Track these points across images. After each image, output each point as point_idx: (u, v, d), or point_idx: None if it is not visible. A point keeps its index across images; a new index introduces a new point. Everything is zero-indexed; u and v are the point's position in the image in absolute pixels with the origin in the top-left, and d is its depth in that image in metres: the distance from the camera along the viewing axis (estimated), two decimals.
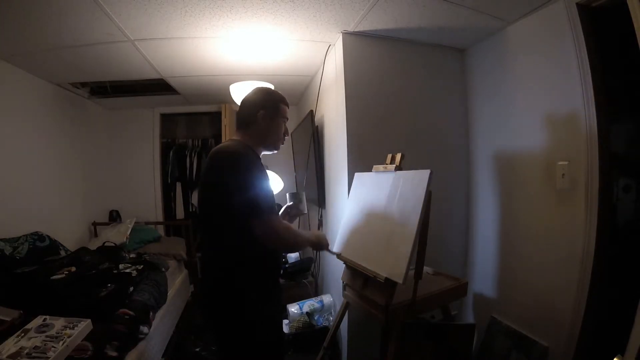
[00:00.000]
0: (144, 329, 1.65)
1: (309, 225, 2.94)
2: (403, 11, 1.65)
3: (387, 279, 1.23)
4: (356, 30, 1.85)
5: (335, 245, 1.61)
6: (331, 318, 2.18)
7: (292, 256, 3.13)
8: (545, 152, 1.61)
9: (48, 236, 2.22)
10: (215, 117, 3.73)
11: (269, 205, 1.12)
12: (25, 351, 1.16)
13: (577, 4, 1.41)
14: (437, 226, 1.68)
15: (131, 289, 1.82)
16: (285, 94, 1.35)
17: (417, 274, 1.31)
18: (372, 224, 1.44)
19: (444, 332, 1.51)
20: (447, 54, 2.10)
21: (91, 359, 1.30)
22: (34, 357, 1.14)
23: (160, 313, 1.98)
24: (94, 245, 2.45)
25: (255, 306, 1.15)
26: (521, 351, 1.63)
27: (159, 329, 1.91)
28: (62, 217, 2.74)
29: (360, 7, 1.61)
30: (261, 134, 1.25)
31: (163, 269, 2.37)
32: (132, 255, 2.44)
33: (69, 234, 2.74)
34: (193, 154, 3.82)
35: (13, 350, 1.16)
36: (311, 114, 2.38)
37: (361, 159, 1.84)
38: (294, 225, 1.25)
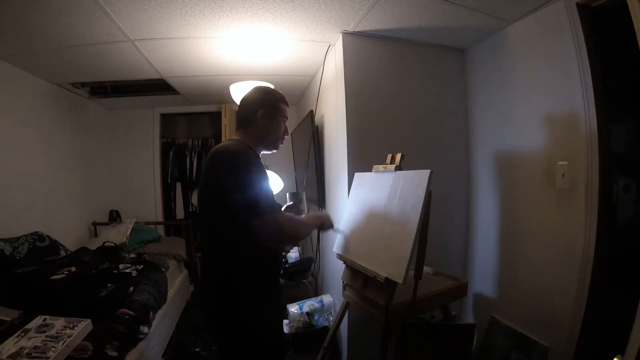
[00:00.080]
0: (144, 329, 1.65)
1: None
2: (403, 11, 1.65)
3: (387, 279, 1.23)
4: (356, 30, 1.85)
5: (336, 245, 1.61)
6: (331, 318, 2.18)
7: (292, 256, 3.13)
8: (545, 152, 1.61)
9: (48, 236, 2.22)
10: (215, 117, 3.73)
11: (270, 203, 1.12)
12: (25, 351, 1.16)
13: (577, 4, 1.41)
14: (437, 226, 1.67)
15: (131, 289, 1.82)
16: (285, 94, 1.35)
17: (417, 274, 1.31)
18: (372, 224, 1.44)
19: (444, 332, 1.51)
20: (447, 54, 2.10)
21: (91, 359, 1.30)
22: (34, 357, 1.14)
23: (160, 313, 1.98)
24: (94, 245, 2.45)
25: (255, 306, 1.15)
26: (521, 351, 1.63)
27: (159, 329, 1.91)
28: (62, 217, 2.74)
29: (360, 7, 1.61)
30: (261, 134, 1.24)
31: (163, 269, 2.37)
32: (132, 255, 2.45)
33: (69, 234, 2.74)
34: (193, 154, 3.82)
35: (13, 350, 1.16)
36: (311, 114, 2.38)
37: (361, 159, 1.84)
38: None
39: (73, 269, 1.75)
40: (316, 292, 2.62)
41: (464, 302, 2.07)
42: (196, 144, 3.91)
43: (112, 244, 2.46)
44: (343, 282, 1.59)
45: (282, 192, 2.04)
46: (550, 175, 1.57)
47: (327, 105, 2.29)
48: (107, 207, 3.48)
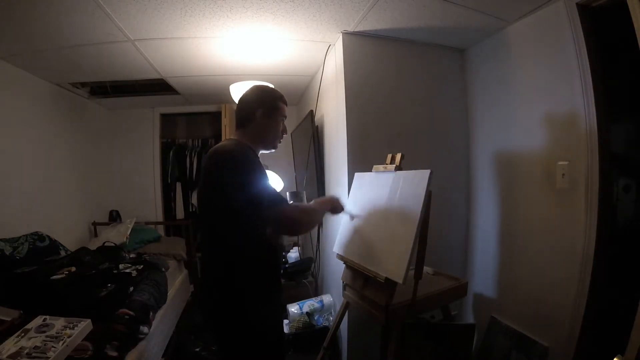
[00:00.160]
0: (144, 329, 1.65)
1: None
2: (403, 11, 1.65)
3: (387, 279, 1.23)
4: (356, 30, 1.85)
5: (336, 245, 1.61)
6: (331, 318, 2.18)
7: (292, 256, 3.13)
8: (545, 152, 1.61)
9: (48, 236, 2.22)
10: (215, 117, 3.73)
11: (275, 196, 1.12)
12: (25, 351, 1.16)
13: (577, 4, 1.41)
14: (437, 226, 1.67)
15: (131, 289, 1.82)
16: (285, 94, 1.34)
17: (417, 274, 1.31)
18: (372, 224, 1.44)
19: (444, 332, 1.51)
20: (447, 54, 2.10)
21: (91, 359, 1.30)
22: (34, 357, 1.14)
23: (160, 313, 1.98)
24: (94, 245, 2.45)
25: (256, 306, 1.14)
26: (521, 351, 1.63)
27: (159, 329, 1.91)
28: (62, 217, 2.74)
29: (360, 7, 1.61)
30: (259, 133, 1.24)
31: (163, 269, 2.37)
32: (132, 255, 2.44)
33: (69, 234, 2.74)
34: (193, 154, 3.82)
35: (13, 350, 1.16)
36: (311, 114, 2.38)
37: (361, 159, 1.84)
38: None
39: (73, 269, 1.75)
40: (316, 292, 2.62)
41: (464, 302, 2.07)
42: (196, 144, 3.91)
43: (112, 244, 2.45)
44: (343, 282, 1.59)
45: (282, 192, 2.03)
46: (550, 175, 1.57)
47: (327, 105, 2.29)
48: (107, 207, 3.48)
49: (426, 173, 1.25)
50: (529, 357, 1.59)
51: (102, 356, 1.35)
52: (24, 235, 2.08)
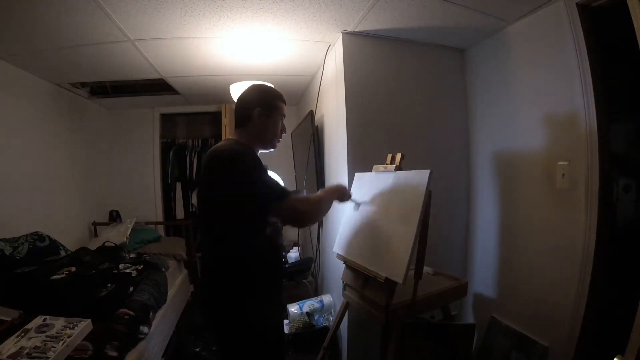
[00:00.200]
0: (144, 329, 1.65)
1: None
2: (403, 11, 1.65)
3: (387, 279, 1.23)
4: (356, 30, 1.85)
5: (336, 245, 1.61)
6: (331, 318, 2.18)
7: (292, 256, 3.13)
8: (545, 152, 1.61)
9: (48, 236, 2.22)
10: (215, 117, 3.73)
11: (280, 190, 1.12)
12: (25, 351, 1.16)
13: (577, 4, 1.41)
14: (437, 226, 1.68)
15: (131, 289, 1.82)
16: (285, 94, 1.34)
17: (417, 274, 1.31)
18: (372, 224, 1.44)
19: (444, 332, 1.51)
20: (447, 54, 2.10)
21: (91, 359, 1.30)
22: (34, 357, 1.14)
23: (160, 313, 1.98)
24: (94, 245, 2.45)
25: (256, 306, 1.14)
26: (521, 351, 1.63)
27: (159, 329, 1.90)
28: (62, 217, 2.74)
29: (360, 7, 1.61)
30: (258, 132, 1.23)
31: (163, 269, 2.37)
32: (132, 255, 2.44)
33: (69, 234, 2.74)
34: (193, 154, 3.82)
35: (13, 350, 1.15)
36: (311, 114, 2.38)
37: (361, 159, 1.84)
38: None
39: (73, 269, 1.75)
40: (316, 292, 2.62)
41: (464, 302, 2.07)
42: (196, 144, 3.91)
43: (112, 244, 2.45)
44: (343, 282, 1.59)
45: None
46: (550, 175, 1.57)
47: (327, 105, 2.29)
48: (107, 207, 3.48)
49: (426, 173, 1.25)
50: (529, 357, 1.59)
51: (102, 356, 1.35)
52: (24, 235, 2.08)
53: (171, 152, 3.76)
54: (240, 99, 1.28)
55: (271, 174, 2.25)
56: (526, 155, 1.72)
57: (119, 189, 3.61)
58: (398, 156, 1.45)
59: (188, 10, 1.59)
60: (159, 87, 2.90)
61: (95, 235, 3.06)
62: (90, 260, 1.90)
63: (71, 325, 1.31)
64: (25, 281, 1.60)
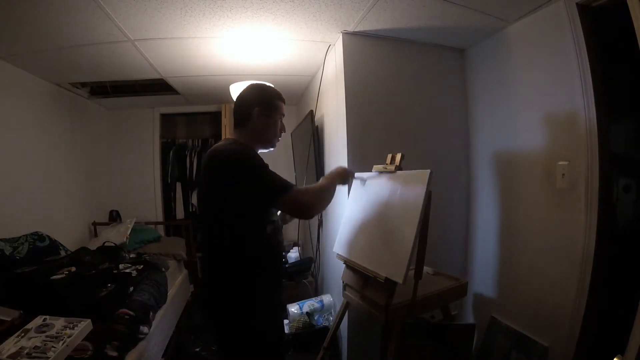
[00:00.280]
0: (144, 329, 1.65)
1: (309, 225, 2.94)
2: (403, 11, 1.65)
3: (387, 279, 1.23)
4: (356, 30, 1.85)
5: (336, 245, 1.61)
6: (331, 318, 2.18)
7: (292, 256, 3.13)
8: (545, 152, 1.61)
9: (48, 236, 2.22)
10: (215, 117, 3.73)
11: (282, 184, 1.11)
12: (25, 351, 1.16)
13: (577, 4, 1.41)
14: (437, 226, 1.67)
15: (131, 289, 1.82)
16: (285, 94, 1.34)
17: (417, 274, 1.31)
18: (372, 224, 1.44)
19: (444, 332, 1.51)
20: (447, 54, 2.10)
21: (91, 359, 1.30)
22: (34, 357, 1.14)
23: (160, 313, 1.98)
24: (94, 245, 2.45)
25: (256, 306, 1.15)
26: (521, 351, 1.63)
27: (159, 329, 1.90)
28: (62, 217, 2.74)
29: (360, 7, 1.61)
30: (257, 132, 1.23)
31: (163, 269, 2.37)
32: (132, 255, 2.44)
33: (69, 234, 2.74)
34: (193, 154, 3.82)
35: (13, 350, 1.15)
36: (311, 114, 2.38)
37: (361, 159, 1.84)
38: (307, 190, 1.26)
39: (73, 269, 1.74)
40: (316, 292, 2.62)
41: (464, 302, 2.07)
42: (196, 144, 3.91)
43: (112, 244, 2.45)
44: (343, 282, 1.59)
45: None
46: (550, 175, 1.57)
47: (327, 105, 2.29)
48: (107, 207, 3.48)
49: (426, 173, 1.25)
50: (529, 357, 1.59)
51: (102, 356, 1.34)
52: (24, 235, 2.08)
53: (171, 152, 3.76)
54: (239, 98, 1.27)
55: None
56: (526, 155, 1.72)
57: (119, 189, 3.61)
58: (398, 156, 1.45)
59: (188, 10, 1.59)
60: (159, 87, 2.90)
61: (95, 235, 3.06)
62: (90, 260, 1.90)
63: (71, 325, 1.31)
64: (25, 281, 1.60)
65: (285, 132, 1.33)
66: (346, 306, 1.62)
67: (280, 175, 1.14)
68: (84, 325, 1.33)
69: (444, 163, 2.06)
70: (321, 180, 1.32)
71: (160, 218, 3.74)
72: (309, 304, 2.24)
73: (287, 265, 2.70)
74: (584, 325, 1.41)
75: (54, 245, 2.20)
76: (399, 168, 1.43)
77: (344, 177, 1.40)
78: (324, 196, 1.26)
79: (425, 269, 1.52)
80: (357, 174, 1.54)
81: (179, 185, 3.83)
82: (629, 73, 1.41)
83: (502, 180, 1.88)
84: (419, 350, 1.45)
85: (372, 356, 1.77)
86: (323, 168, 2.42)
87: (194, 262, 3.07)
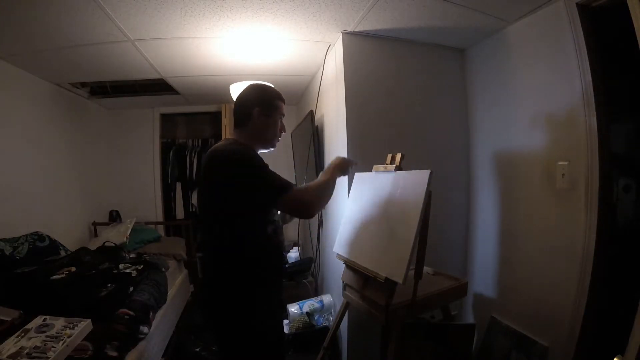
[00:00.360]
0: (144, 329, 1.65)
1: (309, 225, 2.94)
2: (403, 11, 1.65)
3: (387, 279, 1.23)
4: (356, 30, 1.85)
5: (336, 245, 1.61)
6: (331, 318, 2.18)
7: (292, 256, 3.14)
8: (545, 152, 1.61)
9: (48, 236, 2.22)
10: (215, 117, 3.73)
11: (282, 184, 1.11)
12: (25, 351, 1.16)
13: (577, 4, 1.41)
14: (437, 226, 1.67)
15: (131, 289, 1.82)
16: (285, 94, 1.34)
17: (417, 274, 1.31)
18: (372, 224, 1.44)
19: (444, 332, 1.51)
20: (447, 54, 2.10)
21: (91, 359, 1.30)
22: (34, 357, 1.14)
23: (160, 313, 1.98)
24: (94, 245, 2.45)
25: (256, 306, 1.15)
26: (521, 351, 1.63)
27: (159, 329, 1.90)
28: (62, 217, 2.74)
29: (360, 7, 1.61)
30: (257, 132, 1.23)
31: (163, 269, 2.37)
32: (132, 255, 2.44)
33: (69, 234, 2.74)
34: (193, 154, 3.82)
35: (13, 350, 1.16)
36: (311, 114, 2.38)
37: (361, 159, 1.83)
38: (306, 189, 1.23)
39: (73, 269, 1.75)
40: (316, 292, 2.62)
41: (464, 302, 2.07)
42: (196, 144, 3.91)
43: (112, 244, 2.45)
44: (343, 282, 1.59)
45: None
46: (550, 175, 1.57)
47: (327, 105, 2.29)
48: (107, 207, 3.48)
49: (426, 173, 1.25)
50: (529, 357, 1.59)
51: (102, 356, 1.35)
52: (24, 235, 2.08)
53: (171, 152, 3.76)
54: (239, 98, 1.27)
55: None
56: (526, 155, 1.72)
57: (119, 189, 3.62)
58: (398, 156, 1.45)
59: (188, 10, 1.59)
60: (159, 87, 2.90)
61: (95, 235, 3.06)
62: (90, 260, 1.90)
63: (71, 325, 1.31)
64: (25, 281, 1.60)
65: (285, 132, 1.33)
66: (346, 306, 1.62)
67: (280, 175, 1.14)
68: (84, 325, 1.33)
69: (444, 163, 2.06)
70: (320, 175, 1.30)
71: (160, 218, 3.74)
72: (309, 304, 2.24)
73: (287, 265, 2.70)
74: (584, 325, 1.41)
75: (54, 245, 2.21)
76: (399, 168, 1.43)
77: (343, 167, 1.36)
78: (325, 193, 1.25)
79: (425, 269, 1.52)
80: (354, 162, 1.47)
81: (179, 185, 3.83)
82: (629, 73, 1.41)
83: (502, 180, 1.88)
84: (419, 350, 1.45)
85: (372, 356, 1.77)
86: (323, 168, 2.41)
87: (194, 262, 3.07)
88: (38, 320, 1.32)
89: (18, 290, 1.55)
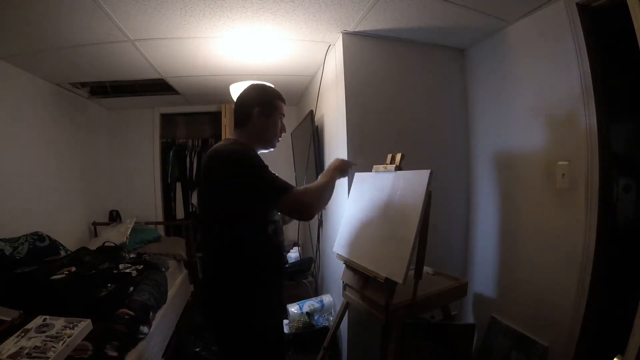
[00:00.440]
0: (144, 329, 1.65)
1: (309, 225, 2.94)
2: (403, 11, 1.65)
3: (387, 279, 1.23)
4: (356, 30, 1.85)
5: (336, 245, 1.61)
6: (331, 318, 2.18)
7: (292, 256, 3.13)
8: (545, 152, 1.61)
9: (48, 236, 2.22)
10: (215, 117, 3.73)
11: (283, 184, 1.11)
12: (25, 351, 1.16)
13: (577, 4, 1.41)
14: (437, 226, 1.67)
15: (131, 289, 1.82)
16: (285, 94, 1.34)
17: (417, 274, 1.31)
18: (372, 224, 1.44)
19: (444, 332, 1.51)
20: (447, 54, 2.10)
21: (91, 359, 1.30)
22: (34, 357, 1.14)
23: (160, 313, 1.98)
24: (94, 245, 2.45)
25: (256, 306, 1.15)
26: (521, 351, 1.63)
27: (159, 329, 1.90)
28: (62, 217, 2.74)
29: (361, 7, 1.61)
30: (257, 132, 1.23)
31: (163, 269, 2.37)
32: (132, 255, 2.44)
33: (69, 234, 2.74)
34: (193, 154, 3.82)
35: (13, 350, 1.16)
36: (311, 114, 2.38)
37: (361, 159, 1.83)
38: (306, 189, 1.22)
39: (73, 269, 1.75)
40: (316, 292, 2.62)
41: (464, 302, 2.07)
42: (196, 144, 3.91)
43: (112, 244, 2.45)
44: (343, 282, 1.59)
45: None
46: (550, 175, 1.57)
47: (327, 105, 2.29)
48: (107, 207, 3.48)
49: (426, 173, 1.25)
50: (529, 357, 1.59)
51: (102, 356, 1.34)
52: (24, 235, 2.08)
53: (171, 152, 3.76)
54: (239, 98, 1.27)
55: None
56: (526, 155, 1.72)
57: (119, 189, 3.62)
58: (398, 156, 1.45)
59: (188, 10, 1.59)
60: (159, 87, 2.90)
61: (95, 235, 3.06)
62: (90, 260, 1.90)
63: (71, 325, 1.31)
64: (25, 281, 1.60)
65: (285, 132, 1.33)
66: (346, 306, 1.62)
67: (280, 176, 1.14)
68: (84, 325, 1.33)
69: (444, 163, 2.06)
70: (320, 177, 1.30)
71: (160, 218, 3.74)
72: (309, 304, 2.24)
73: (287, 265, 2.70)
74: (584, 325, 1.41)
75: (54, 245, 2.21)
76: (399, 168, 1.43)
77: (343, 169, 1.36)
78: (324, 195, 1.25)
79: (425, 269, 1.52)
80: (354, 164, 1.48)
81: (179, 185, 3.83)
82: (629, 73, 1.41)
83: (502, 180, 1.88)
84: (419, 350, 1.45)
85: (372, 356, 1.77)
86: (323, 168, 2.41)
87: (194, 262, 3.07)
88: (38, 320, 1.32)
89: (18, 290, 1.55)
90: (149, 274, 2.09)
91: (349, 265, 1.51)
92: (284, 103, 1.29)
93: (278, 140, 1.30)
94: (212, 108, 3.67)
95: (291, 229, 3.62)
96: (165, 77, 2.66)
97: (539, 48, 1.62)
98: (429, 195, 1.23)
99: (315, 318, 2.18)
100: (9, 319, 1.33)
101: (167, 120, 3.90)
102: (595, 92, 1.39)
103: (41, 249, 2.09)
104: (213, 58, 2.25)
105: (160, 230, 3.58)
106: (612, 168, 1.41)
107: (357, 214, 1.56)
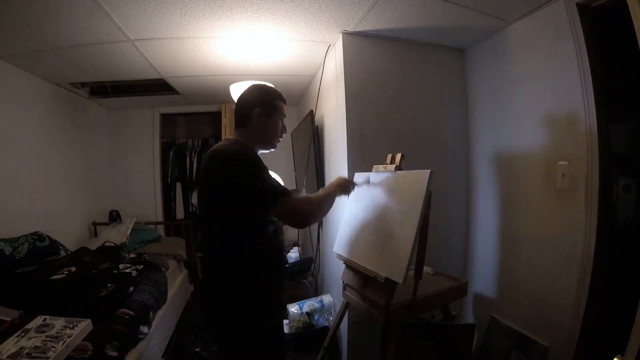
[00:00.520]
0: (144, 329, 1.65)
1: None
2: (403, 11, 1.65)
3: (387, 279, 1.23)
4: (356, 30, 1.85)
5: (336, 245, 1.61)
6: (331, 318, 2.18)
7: (292, 256, 3.13)
8: (545, 152, 1.61)
9: (48, 236, 2.22)
10: (215, 117, 3.73)
11: (281, 189, 1.11)
12: (25, 351, 1.16)
13: (577, 4, 1.41)
14: (437, 226, 1.67)
15: (131, 289, 1.82)
16: (285, 94, 1.34)
17: (417, 274, 1.31)
18: (372, 224, 1.44)
19: (444, 332, 1.51)
20: (447, 54, 2.10)
21: (91, 359, 1.30)
22: (34, 357, 1.14)
23: (160, 313, 1.98)
24: (94, 245, 2.45)
25: (256, 306, 1.15)
26: (521, 351, 1.63)
27: (159, 329, 1.90)
28: (62, 217, 2.74)
29: (361, 7, 1.61)
30: (258, 132, 1.23)
31: (163, 269, 2.37)
32: (132, 255, 2.44)
33: (69, 234, 2.74)
34: (193, 154, 3.82)
35: (13, 350, 1.16)
36: (311, 114, 2.38)
37: (361, 159, 1.84)
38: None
39: (73, 269, 1.75)
40: (316, 292, 2.62)
41: (464, 302, 2.07)
42: (196, 144, 3.91)
43: (112, 244, 2.45)
44: (343, 282, 1.59)
45: None
46: (550, 175, 1.57)
47: (327, 105, 2.29)
48: (107, 207, 3.48)
49: (426, 173, 1.25)
50: (529, 357, 1.59)
51: (102, 356, 1.35)
52: (24, 235, 2.08)
53: (171, 152, 3.76)
54: (240, 99, 1.27)
55: (271, 174, 2.25)
56: (526, 155, 1.72)
57: (119, 189, 3.61)
58: (398, 156, 1.45)
59: (188, 10, 1.59)
60: (159, 87, 2.90)
61: (95, 235, 3.06)
62: (90, 260, 1.90)
63: (71, 325, 1.31)
64: (25, 281, 1.60)
65: (286, 132, 1.33)
66: (346, 306, 1.62)
67: (279, 177, 1.14)
68: (84, 325, 1.33)
69: (444, 163, 2.06)
70: (321, 190, 1.31)
71: (160, 218, 3.74)
72: (309, 304, 2.24)
73: (287, 265, 2.70)
74: (584, 325, 1.41)
75: (54, 245, 2.21)
76: (399, 168, 1.43)
77: (345, 187, 1.38)
78: (322, 207, 1.26)
79: (425, 269, 1.52)
80: (356, 176, 1.52)
81: (179, 185, 3.82)
82: (629, 73, 1.41)
83: (502, 180, 1.88)
84: (419, 350, 1.45)
85: (372, 356, 1.77)
86: (323, 168, 2.42)
87: (194, 262, 3.07)
88: (38, 320, 1.32)
89: (18, 290, 1.55)
90: (149, 274, 2.09)
91: (349, 265, 1.51)
92: (285, 103, 1.29)
93: (279, 141, 1.30)
94: (212, 108, 3.67)
95: (291, 229, 3.61)
96: (165, 77, 2.66)
97: (539, 48, 1.62)
98: (428, 195, 1.23)
99: (315, 318, 2.18)
100: (9, 319, 1.33)
101: (167, 120, 3.89)
102: (595, 92, 1.39)
103: (41, 249, 2.09)
104: (213, 58, 2.25)
105: (160, 230, 3.58)
106: (612, 168, 1.41)
107: (357, 214, 1.56)
